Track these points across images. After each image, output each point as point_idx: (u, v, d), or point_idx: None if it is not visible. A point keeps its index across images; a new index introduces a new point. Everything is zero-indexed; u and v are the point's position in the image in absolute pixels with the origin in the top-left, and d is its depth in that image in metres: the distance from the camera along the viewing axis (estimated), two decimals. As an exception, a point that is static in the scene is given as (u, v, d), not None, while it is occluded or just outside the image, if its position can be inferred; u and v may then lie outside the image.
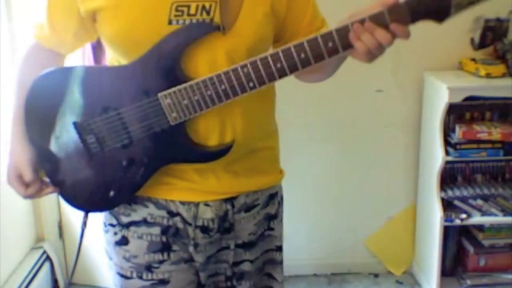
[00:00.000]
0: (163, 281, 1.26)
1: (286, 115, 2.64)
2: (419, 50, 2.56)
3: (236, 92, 1.10)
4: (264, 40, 1.20)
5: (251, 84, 1.09)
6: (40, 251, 2.55)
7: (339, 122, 2.67)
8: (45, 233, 2.62)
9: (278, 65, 1.07)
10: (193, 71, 1.12)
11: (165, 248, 1.25)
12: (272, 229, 1.35)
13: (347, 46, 1.06)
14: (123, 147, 1.17)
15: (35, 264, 2.48)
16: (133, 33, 1.12)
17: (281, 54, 1.07)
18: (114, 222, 1.27)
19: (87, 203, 1.25)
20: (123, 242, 1.26)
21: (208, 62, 1.12)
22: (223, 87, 1.09)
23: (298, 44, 1.06)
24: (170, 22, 1.11)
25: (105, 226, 1.30)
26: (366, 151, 2.70)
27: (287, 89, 2.58)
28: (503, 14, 2.50)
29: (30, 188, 1.25)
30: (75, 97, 1.16)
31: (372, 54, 1.07)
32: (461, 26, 2.53)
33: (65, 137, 1.20)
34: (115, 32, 1.13)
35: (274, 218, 1.35)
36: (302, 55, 1.06)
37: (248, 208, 1.28)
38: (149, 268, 1.25)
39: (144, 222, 1.25)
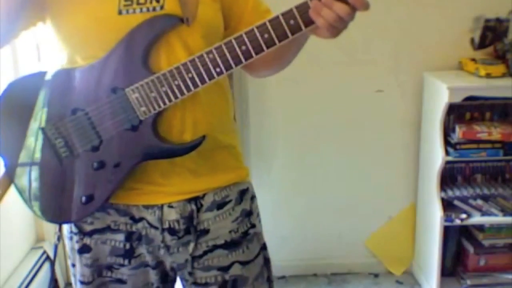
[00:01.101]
0: (120, 281, 1.26)
1: (287, 116, 2.65)
2: (419, 50, 2.56)
3: (204, 79, 1.09)
4: (218, 26, 1.20)
5: (217, 70, 1.08)
6: (40, 251, 2.55)
7: (339, 122, 2.67)
8: (45, 233, 2.62)
9: (243, 47, 1.07)
10: (154, 64, 1.12)
11: (127, 254, 1.24)
12: (254, 225, 1.32)
13: (309, 22, 1.05)
14: (93, 150, 1.15)
15: (35, 264, 2.48)
16: (84, 26, 1.11)
17: (244, 37, 1.06)
18: (76, 230, 1.25)
19: (58, 213, 1.21)
20: (85, 250, 1.25)
21: (166, 53, 1.12)
22: (190, 75, 1.09)
23: (261, 25, 1.06)
24: (120, 12, 1.11)
25: (69, 233, 1.28)
26: (366, 151, 2.70)
27: (288, 89, 2.58)
28: (503, 14, 2.50)
29: None
30: (46, 102, 1.15)
31: (335, 29, 1.07)
32: (461, 26, 2.53)
33: (35, 145, 1.18)
34: (66, 26, 1.12)
35: (251, 214, 1.32)
36: (266, 36, 1.06)
37: (219, 206, 1.26)
38: (109, 267, 1.25)
39: (108, 228, 1.23)
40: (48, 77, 1.16)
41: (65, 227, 1.30)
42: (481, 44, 2.53)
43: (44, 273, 2.53)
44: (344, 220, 2.78)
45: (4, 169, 1.23)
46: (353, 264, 2.82)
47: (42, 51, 2.39)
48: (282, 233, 2.73)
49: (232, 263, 1.27)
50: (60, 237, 1.26)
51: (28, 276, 2.40)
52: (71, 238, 1.28)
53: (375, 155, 2.70)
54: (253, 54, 1.07)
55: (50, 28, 1.15)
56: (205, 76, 1.09)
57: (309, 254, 2.81)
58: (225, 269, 1.27)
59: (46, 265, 2.56)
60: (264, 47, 1.07)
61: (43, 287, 2.51)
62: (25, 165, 1.20)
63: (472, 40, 2.55)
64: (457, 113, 2.50)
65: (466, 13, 2.52)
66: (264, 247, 1.35)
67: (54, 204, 1.20)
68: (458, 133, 2.41)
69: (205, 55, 1.08)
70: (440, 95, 2.36)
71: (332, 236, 2.80)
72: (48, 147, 1.17)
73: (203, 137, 1.15)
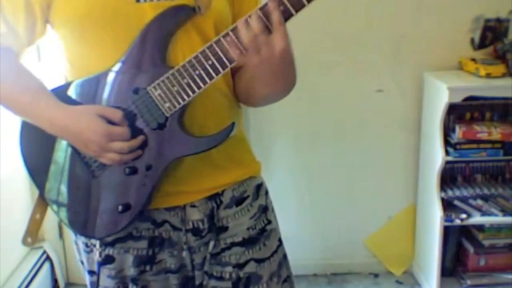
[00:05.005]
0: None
1: (287, 115, 2.65)
2: (419, 50, 2.56)
3: (224, 63, 1.06)
4: (228, 16, 1.18)
5: (237, 51, 1.04)
6: (40, 251, 2.55)
7: (339, 122, 2.67)
8: (45, 233, 2.62)
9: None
10: (172, 57, 1.10)
11: (149, 260, 1.22)
12: (270, 222, 1.31)
13: None
14: None
15: (35, 264, 2.48)
16: (98, 13, 1.08)
17: (260, 12, 1.02)
18: (95, 241, 1.22)
19: (98, 227, 1.17)
20: (108, 261, 1.22)
21: (184, 45, 1.11)
22: (210, 62, 1.06)
23: None
24: (138, 0, 1.09)
25: (87, 246, 1.25)
26: (366, 151, 2.69)
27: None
28: (503, 14, 2.50)
29: (124, 131, 1.09)
30: None
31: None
32: (461, 26, 2.53)
33: (64, 160, 1.16)
34: (80, 12, 1.09)
35: (267, 209, 1.32)
36: (282, 7, 1.01)
37: (238, 202, 1.25)
38: (134, 280, 1.23)
39: (130, 236, 1.20)
40: (70, 90, 1.14)
41: (81, 240, 1.26)
42: (481, 44, 2.53)
43: (44, 273, 2.53)
44: (344, 220, 2.78)
45: (38, 191, 1.22)
46: (353, 264, 2.82)
47: (42, 51, 2.39)
48: (282, 233, 2.72)
49: (248, 261, 1.26)
50: (101, 254, 1.22)
51: (28, 276, 2.39)
52: (90, 251, 1.25)
53: (375, 155, 2.70)
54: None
55: (58, 15, 1.12)
56: (225, 60, 1.06)
57: (309, 254, 2.81)
58: (240, 266, 1.26)
59: (46, 265, 2.56)
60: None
61: (43, 287, 2.51)
62: (55, 182, 1.18)
63: (472, 40, 2.55)
64: (457, 113, 2.50)
65: (466, 13, 2.52)
66: (281, 242, 1.35)
67: (92, 220, 1.18)
68: (458, 133, 2.40)
69: (222, 39, 1.04)
70: (440, 95, 2.36)
71: (332, 236, 2.80)
72: (78, 159, 1.15)
73: (233, 124, 1.12)
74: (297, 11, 1.01)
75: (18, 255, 2.45)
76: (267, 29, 1.02)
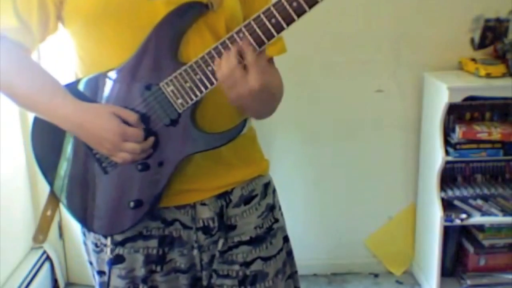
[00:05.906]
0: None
1: (286, 115, 2.65)
2: (419, 50, 2.56)
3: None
4: (240, 15, 1.18)
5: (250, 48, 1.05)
6: (40, 251, 2.55)
7: (339, 122, 2.67)
8: (45, 233, 2.62)
9: (273, 20, 1.02)
10: (184, 53, 1.10)
11: (160, 260, 1.22)
12: (277, 220, 1.32)
13: None
14: None
15: (35, 264, 2.48)
16: (111, 9, 1.08)
17: (273, 9, 1.02)
18: (105, 241, 1.22)
19: (111, 224, 1.18)
20: (118, 260, 1.21)
21: (195, 41, 1.11)
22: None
23: None
24: None
25: (97, 246, 1.24)
26: (366, 151, 2.70)
27: (288, 88, 2.57)
28: (503, 14, 2.50)
29: (138, 132, 1.10)
30: None
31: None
32: (461, 26, 2.53)
33: (74, 155, 1.16)
34: (92, 9, 1.09)
35: (274, 208, 1.32)
36: (295, 4, 1.00)
37: (247, 200, 1.25)
38: (145, 280, 1.22)
39: (141, 236, 1.20)
40: (81, 86, 1.14)
41: (90, 240, 1.26)
42: (481, 44, 2.54)
43: (44, 273, 2.53)
44: (344, 220, 2.78)
45: (49, 187, 1.22)
46: (353, 264, 2.82)
47: (42, 51, 2.39)
48: (282, 233, 2.73)
49: (255, 259, 1.27)
50: (112, 251, 1.21)
51: (28, 276, 2.40)
52: (100, 251, 1.25)
53: (375, 155, 2.70)
54: (284, 25, 1.02)
55: (69, 12, 1.12)
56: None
57: (309, 254, 2.81)
58: (247, 264, 1.26)
59: (46, 265, 2.56)
60: (295, 16, 1.01)
61: (43, 287, 2.51)
62: (67, 178, 1.18)
63: (472, 40, 2.55)
64: (457, 113, 2.50)
65: (466, 13, 2.52)
66: (286, 240, 1.35)
67: (104, 216, 1.18)
68: (458, 133, 2.41)
69: (235, 35, 1.04)
70: (440, 95, 2.36)
71: (332, 236, 2.80)
72: (90, 156, 1.15)
73: (244, 121, 1.12)
74: (310, 7, 1.01)
75: (18, 255, 2.45)
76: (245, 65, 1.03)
